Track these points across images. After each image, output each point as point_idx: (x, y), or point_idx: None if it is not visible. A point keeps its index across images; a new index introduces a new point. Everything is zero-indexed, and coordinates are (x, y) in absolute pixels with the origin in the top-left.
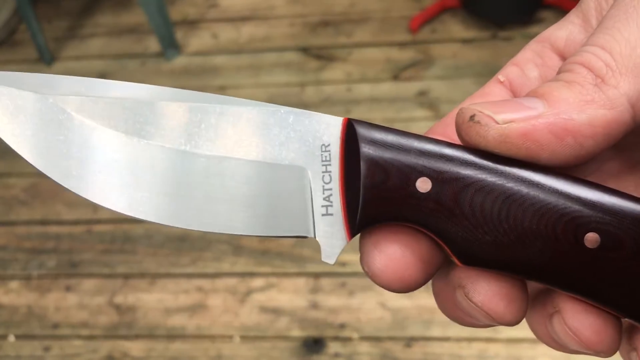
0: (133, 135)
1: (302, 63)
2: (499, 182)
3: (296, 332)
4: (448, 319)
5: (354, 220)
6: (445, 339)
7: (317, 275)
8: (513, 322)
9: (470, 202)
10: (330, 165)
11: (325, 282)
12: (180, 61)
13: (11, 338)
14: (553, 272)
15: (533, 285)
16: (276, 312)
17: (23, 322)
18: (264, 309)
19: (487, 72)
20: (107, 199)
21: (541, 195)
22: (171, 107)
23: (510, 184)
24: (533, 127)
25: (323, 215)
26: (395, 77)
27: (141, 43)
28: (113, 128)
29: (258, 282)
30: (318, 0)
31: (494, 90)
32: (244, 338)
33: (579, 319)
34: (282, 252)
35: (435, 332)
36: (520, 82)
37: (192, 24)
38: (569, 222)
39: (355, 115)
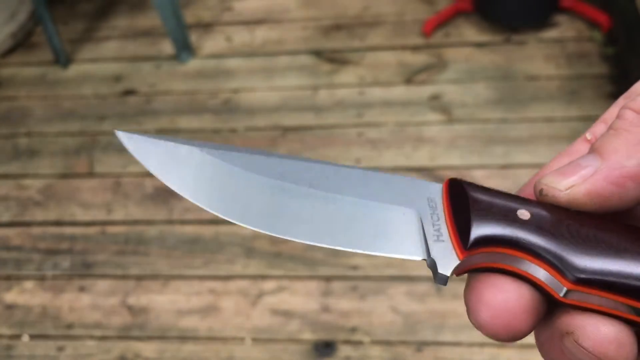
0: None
1: (315, 66)
2: (588, 220)
3: (307, 335)
4: (459, 324)
5: (465, 242)
6: (457, 344)
7: (328, 279)
8: None
9: (567, 229)
10: (436, 209)
11: (336, 285)
12: (194, 64)
13: (25, 338)
14: None
15: None
16: (287, 314)
17: (37, 322)
18: (276, 312)
19: (500, 76)
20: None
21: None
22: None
23: (598, 225)
24: (593, 185)
25: (434, 241)
26: (408, 81)
27: (156, 46)
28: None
29: (270, 284)
30: (331, 3)
31: (580, 148)
32: (256, 340)
33: None
34: (294, 255)
35: (447, 336)
36: None
37: (206, 27)
38: None
39: (368, 118)
